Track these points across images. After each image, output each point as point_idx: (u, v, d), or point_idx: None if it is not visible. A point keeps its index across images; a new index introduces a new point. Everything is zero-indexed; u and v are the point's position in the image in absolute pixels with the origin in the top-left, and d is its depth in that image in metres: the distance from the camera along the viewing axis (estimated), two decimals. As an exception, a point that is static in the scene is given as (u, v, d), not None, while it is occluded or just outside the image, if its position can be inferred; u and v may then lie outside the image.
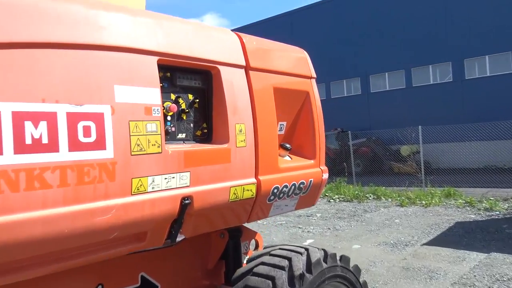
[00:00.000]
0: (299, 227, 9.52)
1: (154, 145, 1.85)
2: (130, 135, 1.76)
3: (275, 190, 2.53)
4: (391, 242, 7.73)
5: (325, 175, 2.96)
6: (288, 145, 2.76)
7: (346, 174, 16.69)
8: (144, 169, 1.81)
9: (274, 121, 2.56)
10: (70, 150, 1.57)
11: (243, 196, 2.31)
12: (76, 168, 1.58)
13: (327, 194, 14.33)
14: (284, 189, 2.60)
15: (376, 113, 24.89)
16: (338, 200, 13.53)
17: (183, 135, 2.15)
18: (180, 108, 2.13)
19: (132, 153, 1.76)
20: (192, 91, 2.20)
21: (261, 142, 2.42)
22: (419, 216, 10.16)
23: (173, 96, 2.10)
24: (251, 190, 2.36)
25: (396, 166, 18.65)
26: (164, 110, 2.04)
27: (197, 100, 2.21)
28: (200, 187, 2.07)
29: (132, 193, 1.77)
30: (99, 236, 1.69)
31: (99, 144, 1.66)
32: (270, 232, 9.05)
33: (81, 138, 1.60)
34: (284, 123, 2.83)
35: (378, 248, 7.36)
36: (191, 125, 2.19)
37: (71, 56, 1.61)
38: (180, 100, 2.13)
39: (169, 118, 2.07)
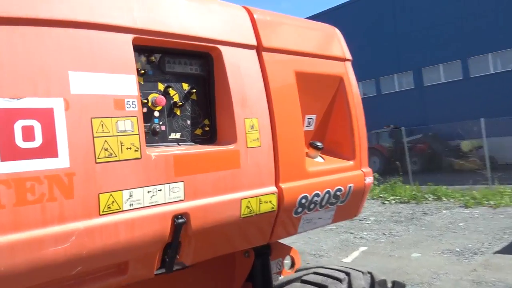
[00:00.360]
0: (351, 233, 8.83)
1: (130, 148, 1.42)
2: (93, 137, 1.34)
3: (303, 200, 2.02)
4: (457, 249, 6.85)
5: (369, 179, 2.40)
6: (319, 144, 2.24)
7: (401, 173, 15.61)
8: (117, 180, 1.38)
9: (298, 114, 2.05)
10: (3, 160, 1.17)
11: (260, 209, 1.83)
12: (13, 183, 1.18)
13: (381, 196, 13.42)
14: (316, 198, 2.08)
15: (432, 108, 23.35)
16: (393, 201, 12.58)
17: (177, 135, 1.70)
18: (171, 101, 1.69)
19: (98, 160, 1.34)
20: (187, 80, 1.76)
21: (281, 141, 1.92)
22: (488, 218, 9.08)
23: (161, 86, 1.67)
24: (270, 202, 1.86)
25: (457, 163, 17.24)
26: (150, 104, 1.61)
27: (194, 91, 1.76)
28: (199, 201, 1.61)
29: (101, 213, 1.34)
30: (54, 273, 1.27)
31: (48, 150, 1.25)
32: (319, 239, 8.44)
33: (19, 142, 1.20)
34: (313, 116, 2.32)
35: (442, 257, 6.52)
36: (188, 122, 1.74)
37: (3, 34, 1.21)
38: (171, 91, 1.69)
39: (156, 114, 1.63)
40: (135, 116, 1.44)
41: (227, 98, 1.78)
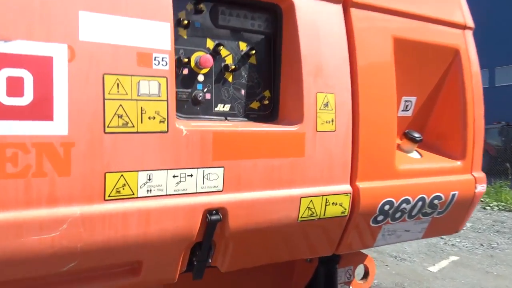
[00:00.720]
0: (442, 238, 7.86)
1: (154, 118, 1.08)
2: (104, 99, 1.02)
3: (387, 207, 1.53)
4: None
5: (481, 187, 1.81)
6: (417, 135, 1.71)
7: (510, 176, 13.74)
8: (132, 158, 1.06)
9: (392, 94, 1.56)
10: (-22, 118, 0.90)
11: (326, 213, 1.40)
12: (-11, 149, 0.91)
13: (482, 200, 11.88)
14: (404, 205, 1.58)
15: (557, 105, 20.16)
16: (496, 208, 11.05)
17: (226, 107, 1.33)
18: (222, 64, 1.31)
19: (108, 129, 1.02)
20: (245, 38, 1.36)
21: (365, 126, 1.46)
22: None
23: (210, 44, 1.29)
24: (341, 205, 1.42)
25: None
26: (193, 65, 1.25)
27: (254, 52, 1.36)
28: (242, 195, 1.23)
29: (106, 198, 1.03)
30: (37, 267, 1.00)
31: (40, 110, 0.95)
32: (403, 240, 7.67)
33: (1, 97, 0.92)
34: (413, 98, 1.78)
35: (556, 284, 5.44)
36: (242, 92, 1.36)
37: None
38: (223, 51, 1.31)
39: (201, 78, 1.27)
40: (164, 77, 1.09)
41: (296, 64, 1.35)
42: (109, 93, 1.02)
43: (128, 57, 1.04)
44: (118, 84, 1.03)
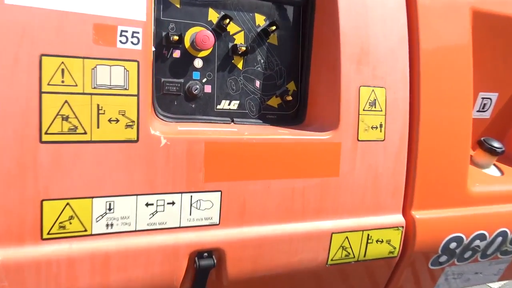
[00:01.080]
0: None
1: (116, 121, 0.75)
2: (40, 92, 0.69)
3: (453, 245, 1.13)
4: None
5: None
6: (497, 145, 1.28)
7: None
8: (84, 179, 0.73)
9: (466, 89, 1.13)
10: None
11: (367, 254, 1.02)
12: None
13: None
14: (477, 242, 1.16)
15: None
16: None
17: (234, 105, 0.97)
18: (229, 44, 0.95)
19: (45, 137, 0.70)
20: (263, 9, 0.99)
21: (426, 133, 1.06)
22: None
23: (213, 15, 0.94)
24: (389, 242, 1.03)
25: None
26: (188, 45, 0.90)
27: (274, 29, 0.98)
28: (247, 230, 0.88)
29: (44, 237, 0.72)
30: None
31: None
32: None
33: None
34: (493, 95, 1.34)
35: None
36: (257, 83, 0.99)
37: None
38: (231, 26, 0.95)
39: (198, 63, 0.92)
40: (134, 61, 0.75)
41: (333, 46, 0.97)
42: (48, 84, 0.70)
43: (79, 31, 0.71)
44: (63, 70, 0.70)
